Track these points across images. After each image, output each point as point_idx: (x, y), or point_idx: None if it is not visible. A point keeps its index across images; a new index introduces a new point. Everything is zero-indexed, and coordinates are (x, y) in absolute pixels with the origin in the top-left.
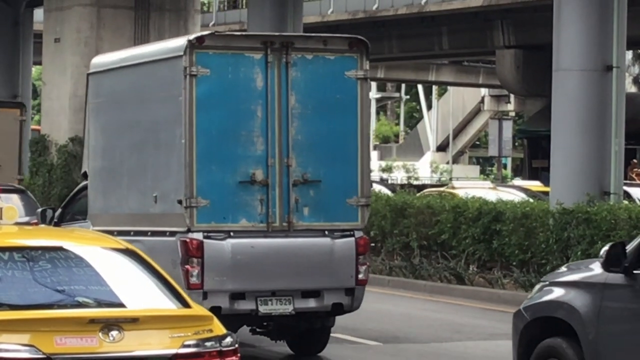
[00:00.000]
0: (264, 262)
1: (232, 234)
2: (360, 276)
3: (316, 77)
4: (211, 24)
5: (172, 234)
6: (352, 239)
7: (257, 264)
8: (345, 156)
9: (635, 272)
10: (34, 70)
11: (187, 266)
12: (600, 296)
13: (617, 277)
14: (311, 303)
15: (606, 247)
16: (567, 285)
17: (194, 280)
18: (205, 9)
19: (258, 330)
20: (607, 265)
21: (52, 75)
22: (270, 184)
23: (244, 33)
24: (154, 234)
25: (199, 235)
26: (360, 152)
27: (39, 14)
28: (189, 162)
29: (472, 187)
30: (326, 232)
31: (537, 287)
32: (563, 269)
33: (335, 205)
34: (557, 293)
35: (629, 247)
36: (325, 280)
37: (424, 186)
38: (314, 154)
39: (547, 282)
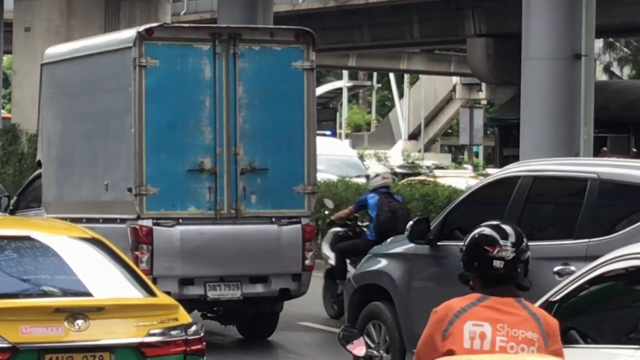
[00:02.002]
0: (212, 249)
1: (180, 221)
2: (307, 262)
3: (263, 68)
4: (182, 12)
5: (123, 221)
6: (299, 225)
7: (205, 250)
8: (292, 145)
9: (438, 243)
10: (5, 59)
11: (136, 252)
12: (410, 265)
13: (424, 249)
14: (259, 288)
15: (411, 222)
16: (387, 256)
17: (143, 266)
18: None
19: (209, 315)
20: (412, 238)
21: (22, 65)
22: (218, 173)
23: (192, 25)
24: (105, 221)
25: (148, 222)
26: (307, 141)
27: (9, 2)
28: (138, 151)
29: (453, 175)
30: (273, 219)
31: (365, 258)
32: (388, 241)
33: (282, 192)
34: (378, 263)
35: (434, 222)
36: (272, 266)
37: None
38: (261, 143)
39: (372, 254)
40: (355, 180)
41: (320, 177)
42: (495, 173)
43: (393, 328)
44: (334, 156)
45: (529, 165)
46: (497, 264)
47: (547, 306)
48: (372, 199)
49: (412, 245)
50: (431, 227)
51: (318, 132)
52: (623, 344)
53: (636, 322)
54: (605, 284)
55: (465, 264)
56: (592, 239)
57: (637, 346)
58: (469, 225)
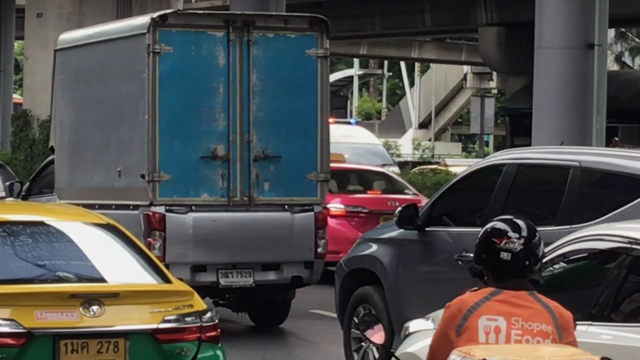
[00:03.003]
0: (224, 236)
1: (193, 207)
2: (319, 250)
3: (277, 55)
4: (194, 0)
5: (136, 207)
6: (312, 213)
7: (218, 238)
8: (305, 133)
9: (426, 229)
10: (16, 45)
11: (149, 239)
12: (399, 250)
13: (412, 234)
14: (271, 276)
15: (399, 208)
16: (377, 241)
17: (156, 252)
18: None
19: (220, 302)
20: (400, 224)
21: (34, 50)
22: (231, 160)
23: (206, 12)
24: (118, 207)
25: (161, 209)
26: (320, 129)
27: None
28: (151, 137)
29: (465, 164)
30: (286, 207)
31: (356, 243)
32: (378, 227)
33: (295, 180)
34: (368, 248)
35: (422, 209)
36: (284, 253)
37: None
38: (275, 130)
39: (362, 239)
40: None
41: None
42: (481, 161)
43: (382, 312)
44: (358, 144)
45: (514, 154)
46: (504, 255)
47: None
48: None
49: (401, 230)
50: (419, 213)
51: (342, 120)
52: (579, 320)
53: (593, 300)
54: (566, 264)
55: (475, 256)
56: (573, 225)
57: (589, 322)
58: (456, 211)
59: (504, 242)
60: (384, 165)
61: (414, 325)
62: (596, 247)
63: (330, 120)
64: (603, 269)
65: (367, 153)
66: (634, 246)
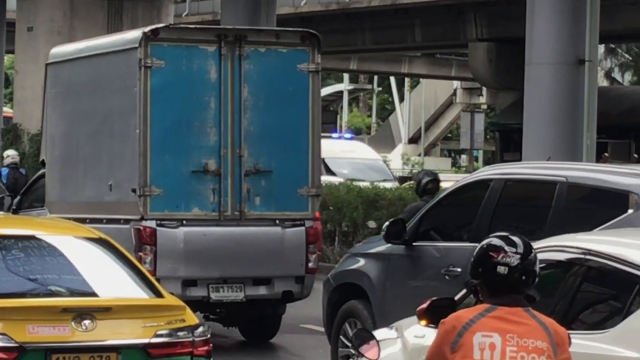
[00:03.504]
0: (215, 250)
1: (184, 222)
2: (310, 264)
3: (268, 70)
4: (184, 14)
5: (127, 221)
6: (303, 228)
7: (209, 252)
8: (297, 147)
9: (414, 244)
10: (7, 58)
11: (140, 253)
12: (387, 265)
13: (399, 249)
14: (262, 290)
15: (387, 223)
16: (364, 256)
17: (146, 267)
18: None
19: (211, 316)
20: (388, 239)
21: (24, 64)
22: (222, 174)
23: (198, 26)
24: (109, 221)
25: (152, 223)
26: (311, 144)
27: (11, 2)
28: (143, 151)
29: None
30: (277, 222)
31: (343, 257)
32: (365, 241)
33: (286, 195)
34: (356, 263)
35: (409, 224)
36: (275, 268)
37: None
38: (266, 144)
39: (350, 254)
40: (362, 183)
41: (337, 180)
42: (468, 176)
43: (369, 327)
44: (358, 160)
45: (501, 169)
46: (501, 269)
47: (469, 295)
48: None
49: (389, 245)
50: (407, 228)
51: (339, 135)
52: None
53: (549, 309)
54: None
55: (471, 271)
56: None
57: None
58: (444, 226)
59: (501, 255)
60: (384, 180)
61: (378, 334)
62: (556, 258)
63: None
64: (562, 279)
65: (366, 168)
66: (587, 257)
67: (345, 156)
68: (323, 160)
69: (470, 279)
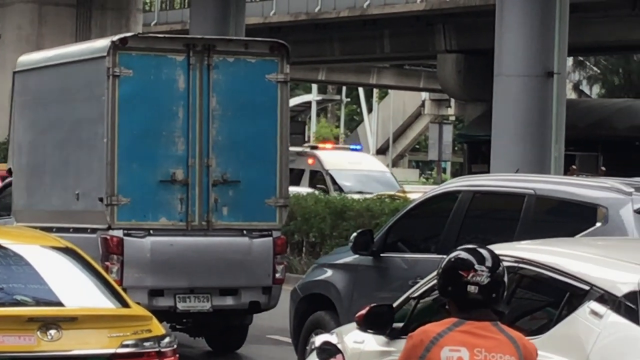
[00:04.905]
0: (182, 260)
1: (151, 231)
2: (278, 275)
3: (237, 80)
4: (153, 23)
5: (93, 231)
6: (270, 238)
7: (176, 262)
8: (265, 157)
9: (381, 255)
10: None
11: (107, 262)
12: (354, 275)
13: (367, 260)
14: (229, 301)
15: (355, 234)
16: (331, 266)
17: (113, 276)
18: (147, 8)
19: (177, 327)
20: (355, 249)
21: None
22: (190, 184)
23: (167, 35)
24: (76, 230)
25: (119, 233)
26: (279, 154)
27: None
28: (110, 160)
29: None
30: (244, 232)
31: (311, 268)
32: (332, 252)
33: (254, 205)
34: (323, 273)
35: (377, 235)
36: (242, 278)
37: None
38: (234, 154)
39: (317, 265)
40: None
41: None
42: (436, 187)
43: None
44: (365, 172)
45: (469, 181)
46: (472, 289)
47: (407, 302)
48: None
49: (356, 256)
50: (375, 239)
51: (344, 146)
52: None
53: None
54: None
55: (440, 288)
56: None
57: None
58: (412, 237)
59: (471, 274)
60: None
61: (319, 340)
62: None
63: (329, 146)
64: None
65: (373, 181)
66: (520, 265)
67: (352, 168)
68: (328, 172)
69: (440, 295)
